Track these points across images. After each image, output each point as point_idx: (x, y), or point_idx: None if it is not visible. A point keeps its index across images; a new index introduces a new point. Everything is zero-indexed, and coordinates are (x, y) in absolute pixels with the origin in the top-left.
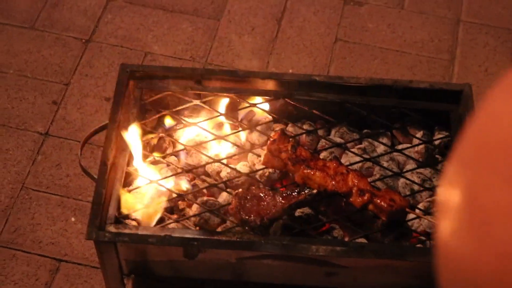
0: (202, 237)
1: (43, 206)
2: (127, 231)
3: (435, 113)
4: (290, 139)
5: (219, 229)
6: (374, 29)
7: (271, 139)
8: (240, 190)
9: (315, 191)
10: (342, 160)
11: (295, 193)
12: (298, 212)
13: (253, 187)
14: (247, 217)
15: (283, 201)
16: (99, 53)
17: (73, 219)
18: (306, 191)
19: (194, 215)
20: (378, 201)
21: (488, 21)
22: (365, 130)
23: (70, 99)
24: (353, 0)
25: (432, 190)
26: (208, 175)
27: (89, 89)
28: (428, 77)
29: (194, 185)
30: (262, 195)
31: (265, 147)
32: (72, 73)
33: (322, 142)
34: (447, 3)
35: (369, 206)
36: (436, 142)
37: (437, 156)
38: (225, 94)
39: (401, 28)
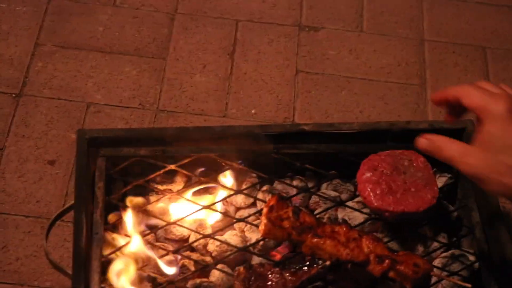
0: None
1: None
2: None
3: None
4: (289, 204)
5: None
6: (335, 56)
7: (268, 206)
8: (241, 269)
9: (328, 262)
10: (339, 215)
11: (306, 267)
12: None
13: (256, 265)
14: None
15: (293, 278)
16: (34, 109)
17: None
18: (318, 264)
19: None
20: (402, 268)
21: (452, 38)
22: None
23: (7, 166)
24: (308, 25)
25: (447, 245)
26: (193, 249)
27: (28, 153)
28: (401, 105)
29: (182, 266)
30: (267, 273)
31: (262, 217)
32: (6, 135)
33: (315, 198)
34: (408, 22)
35: (389, 273)
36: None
37: (443, 201)
38: (202, 155)
39: (364, 53)
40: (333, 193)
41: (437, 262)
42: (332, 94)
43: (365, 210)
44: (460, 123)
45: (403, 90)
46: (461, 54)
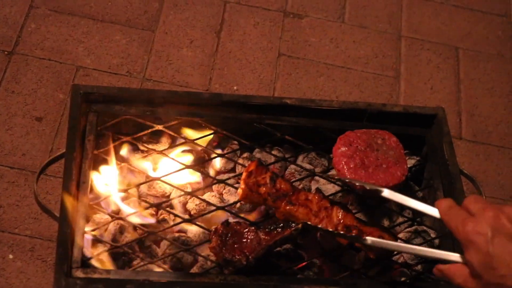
0: (183, 280)
1: None
2: (97, 276)
3: (406, 137)
4: (267, 170)
5: (194, 269)
6: (317, 43)
7: (247, 171)
8: (219, 226)
9: (300, 225)
10: (313, 187)
11: (279, 228)
12: None
13: (233, 222)
14: (231, 257)
15: (267, 238)
16: (25, 67)
17: (11, 256)
18: (291, 226)
19: (169, 255)
20: None
21: (428, 37)
22: None
23: None
24: (292, 12)
25: (411, 220)
26: (172, 207)
27: (17, 108)
28: (376, 94)
29: (162, 220)
30: (243, 231)
31: (240, 181)
32: None
33: (291, 169)
34: (388, 17)
35: (355, 243)
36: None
37: (410, 182)
38: (189, 118)
39: (344, 43)
40: (308, 166)
41: (401, 236)
42: (311, 78)
43: (337, 183)
44: (432, 110)
45: (378, 80)
46: (435, 52)
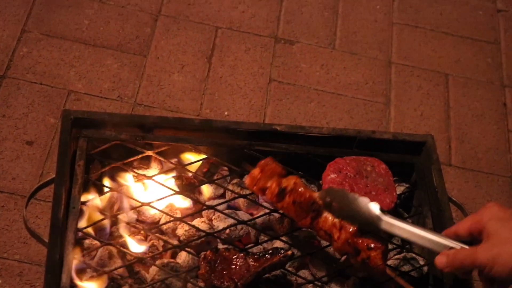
0: None
1: None
2: None
3: (395, 164)
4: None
5: None
6: (307, 69)
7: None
8: (208, 252)
9: (289, 252)
10: None
11: (268, 255)
12: None
13: (222, 249)
14: (219, 283)
15: (255, 264)
16: (16, 91)
17: None
18: (280, 253)
19: (158, 281)
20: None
21: (418, 63)
22: None
23: None
24: (283, 38)
25: (400, 247)
26: (162, 232)
27: (7, 132)
28: (366, 121)
29: (152, 246)
30: (232, 258)
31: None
32: None
33: None
34: (378, 44)
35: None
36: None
37: (400, 209)
38: (179, 144)
39: (334, 69)
40: None
41: (389, 263)
42: (302, 104)
43: None
44: (421, 137)
45: (368, 106)
46: (425, 78)
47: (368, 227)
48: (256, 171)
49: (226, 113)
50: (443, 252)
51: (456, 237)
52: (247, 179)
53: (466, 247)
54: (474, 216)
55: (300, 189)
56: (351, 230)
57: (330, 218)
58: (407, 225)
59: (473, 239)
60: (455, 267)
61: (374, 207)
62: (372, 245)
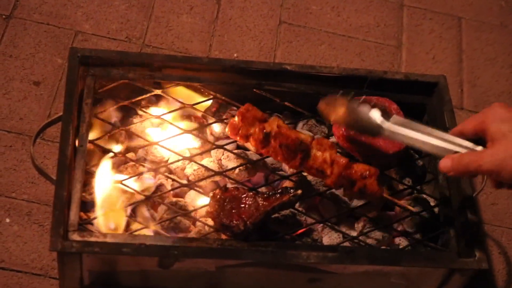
0: (181, 244)
1: None
2: (93, 239)
3: (407, 105)
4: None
5: (192, 234)
6: (318, 11)
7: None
8: (217, 190)
9: (299, 191)
10: None
11: (278, 194)
12: None
13: (231, 187)
14: (228, 222)
15: (265, 203)
16: (23, 31)
17: (7, 220)
18: (290, 192)
19: (167, 219)
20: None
21: (431, 6)
22: None
23: None
24: None
25: (412, 188)
26: (170, 172)
27: (14, 72)
28: (377, 63)
29: (160, 185)
30: (242, 196)
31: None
32: None
33: None
34: None
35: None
36: None
37: (411, 150)
38: (188, 83)
39: (345, 11)
40: (308, 133)
41: (401, 203)
42: (312, 46)
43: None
44: (433, 78)
45: (379, 49)
46: (438, 21)
47: (372, 135)
48: (236, 119)
49: (235, 54)
50: (448, 155)
51: (462, 136)
52: (228, 128)
53: (475, 147)
54: (478, 116)
55: (285, 131)
56: (342, 162)
57: (319, 154)
58: (410, 131)
59: (478, 138)
60: (459, 172)
61: (375, 115)
62: (366, 173)
